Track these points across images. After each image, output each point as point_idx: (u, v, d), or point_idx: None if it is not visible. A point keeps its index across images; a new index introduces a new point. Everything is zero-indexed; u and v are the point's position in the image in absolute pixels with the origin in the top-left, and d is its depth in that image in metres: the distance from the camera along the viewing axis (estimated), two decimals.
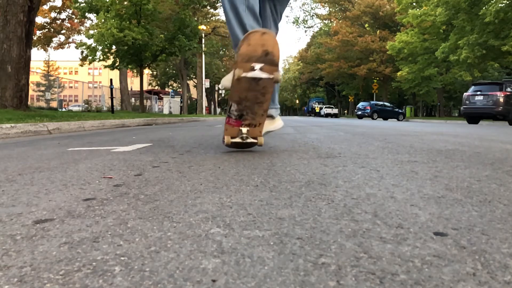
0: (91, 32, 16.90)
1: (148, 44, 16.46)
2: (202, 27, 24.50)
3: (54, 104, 26.69)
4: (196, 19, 24.61)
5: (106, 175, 1.63)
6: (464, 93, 14.79)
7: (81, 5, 16.35)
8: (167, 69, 44.41)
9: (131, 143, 3.46)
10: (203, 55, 29.43)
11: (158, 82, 48.76)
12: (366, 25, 40.46)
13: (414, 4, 27.37)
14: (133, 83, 48.80)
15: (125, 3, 16.07)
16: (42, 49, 27.42)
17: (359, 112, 27.58)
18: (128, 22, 15.74)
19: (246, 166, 1.86)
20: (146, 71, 40.75)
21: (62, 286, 0.59)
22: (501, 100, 13.08)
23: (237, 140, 2.31)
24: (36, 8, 8.37)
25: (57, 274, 0.63)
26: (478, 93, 13.95)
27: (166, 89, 45.19)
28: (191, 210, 1.03)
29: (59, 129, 5.58)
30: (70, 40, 28.00)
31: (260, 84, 2.10)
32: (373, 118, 25.88)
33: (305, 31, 78.22)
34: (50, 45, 27.12)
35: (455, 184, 1.42)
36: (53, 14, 25.92)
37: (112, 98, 13.86)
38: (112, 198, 1.19)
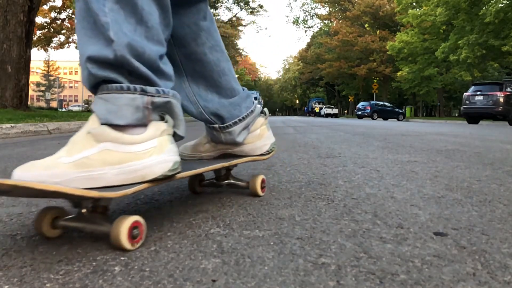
0: None
1: None
2: None
3: (54, 104, 26.70)
4: None
5: None
6: (464, 93, 14.78)
7: None
8: None
9: None
10: None
11: None
12: (366, 25, 40.46)
13: (414, 4, 27.39)
14: None
15: None
16: (42, 49, 27.41)
17: (359, 112, 27.56)
18: None
19: (246, 166, 1.86)
20: None
21: (62, 286, 0.59)
22: (501, 100, 13.07)
23: None
24: (36, 8, 8.37)
25: (57, 274, 0.63)
26: (478, 93, 13.94)
27: None
28: (191, 210, 1.03)
29: (59, 129, 5.58)
30: (70, 40, 27.99)
31: None
32: (373, 118, 25.87)
33: (305, 31, 77.96)
34: (50, 45, 27.11)
35: (455, 184, 1.42)
36: (53, 14, 25.91)
37: None
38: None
